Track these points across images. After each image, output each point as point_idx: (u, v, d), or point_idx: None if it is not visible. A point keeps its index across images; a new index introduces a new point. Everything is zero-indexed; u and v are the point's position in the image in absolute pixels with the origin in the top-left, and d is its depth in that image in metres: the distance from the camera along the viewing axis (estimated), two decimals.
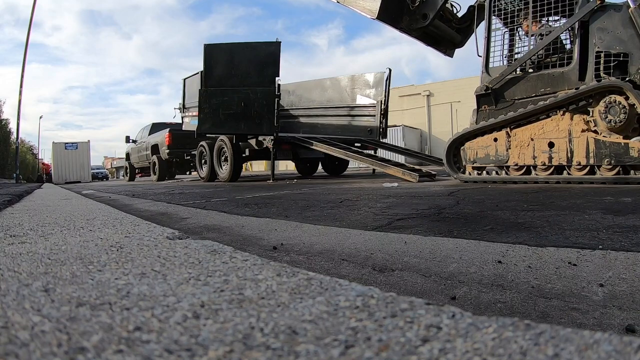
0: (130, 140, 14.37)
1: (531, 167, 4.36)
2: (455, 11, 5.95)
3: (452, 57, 6.52)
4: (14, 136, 20.33)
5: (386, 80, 6.98)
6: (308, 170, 10.54)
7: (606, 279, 1.07)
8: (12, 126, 21.87)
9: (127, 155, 15.01)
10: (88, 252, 1.14)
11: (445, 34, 5.97)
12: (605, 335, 0.48)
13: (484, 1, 4.94)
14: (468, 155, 4.75)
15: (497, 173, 4.62)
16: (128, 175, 15.06)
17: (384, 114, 7.04)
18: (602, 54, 4.06)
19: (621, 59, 4.02)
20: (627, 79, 3.91)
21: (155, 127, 13.07)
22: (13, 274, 0.90)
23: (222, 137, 8.07)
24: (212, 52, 7.66)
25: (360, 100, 7.37)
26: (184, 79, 9.74)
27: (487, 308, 0.95)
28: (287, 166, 19.79)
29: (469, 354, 0.47)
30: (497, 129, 4.56)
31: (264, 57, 7.71)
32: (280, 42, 7.85)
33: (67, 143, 20.56)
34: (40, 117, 38.96)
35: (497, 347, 0.48)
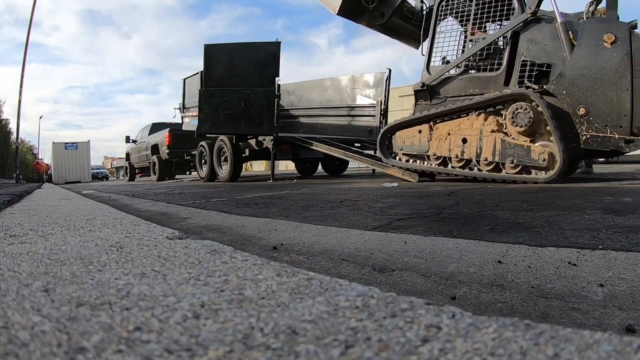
0: (130, 140, 14.37)
1: (447, 159, 4.91)
2: (424, 8, 6.20)
3: (417, 49, 6.83)
4: (14, 136, 20.35)
5: (386, 81, 6.97)
6: (308, 170, 10.53)
7: (606, 279, 1.07)
8: (12, 126, 21.89)
9: (127, 155, 15.00)
10: (88, 252, 1.14)
11: (406, 30, 6.39)
12: (605, 335, 0.48)
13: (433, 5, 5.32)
14: (397, 143, 5.37)
15: (427, 160, 5.16)
16: (128, 175, 15.05)
17: (384, 114, 7.04)
18: (528, 63, 4.44)
19: (544, 69, 4.38)
20: (543, 87, 4.28)
21: (155, 127, 13.06)
22: (13, 274, 0.90)
23: (222, 137, 8.06)
24: (212, 52, 7.64)
25: (360, 100, 7.37)
26: (184, 79, 9.72)
27: (487, 308, 0.95)
28: (287, 166, 19.76)
29: (469, 354, 0.47)
30: (422, 122, 5.11)
31: (264, 57, 7.70)
32: (280, 42, 7.83)
33: (67, 143, 20.55)
34: (40, 117, 38.99)
35: (497, 347, 0.48)
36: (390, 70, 7.03)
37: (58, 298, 0.72)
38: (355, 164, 8.99)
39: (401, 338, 0.52)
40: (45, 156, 35.70)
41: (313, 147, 7.11)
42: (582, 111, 4.08)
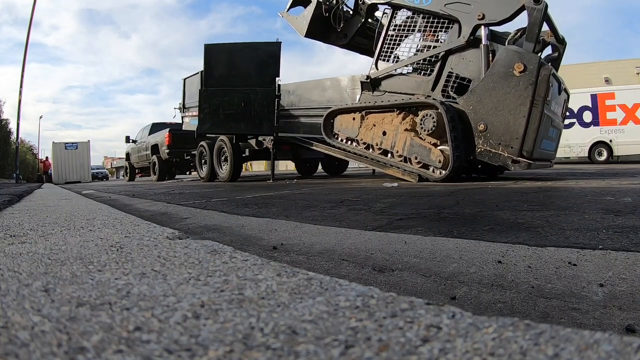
0: (130, 140, 14.37)
1: (370, 145, 5.63)
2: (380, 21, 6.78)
3: None
4: (14, 136, 20.35)
5: None
6: (308, 170, 10.53)
7: (606, 279, 1.07)
8: (12, 126, 21.90)
9: (127, 155, 15.01)
10: (88, 252, 1.14)
11: (368, 46, 6.81)
12: (605, 335, 0.48)
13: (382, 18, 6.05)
14: (337, 125, 6.20)
15: (357, 143, 5.88)
16: (128, 175, 15.06)
17: None
18: (453, 75, 5.02)
19: (465, 82, 4.92)
20: (455, 99, 4.84)
21: (155, 127, 13.07)
22: (13, 274, 0.90)
23: (222, 137, 8.06)
24: (212, 52, 7.64)
25: None
26: (184, 79, 9.72)
27: (487, 308, 0.95)
28: (287, 166, 19.77)
29: (469, 354, 0.47)
30: (357, 111, 5.84)
31: (265, 58, 7.69)
32: (280, 42, 7.83)
33: (67, 143, 20.56)
34: (40, 117, 38.92)
35: (497, 347, 0.48)
36: None
37: (58, 298, 0.72)
38: (355, 164, 9.00)
39: (401, 338, 0.52)
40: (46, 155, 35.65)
41: (313, 147, 7.11)
42: (481, 127, 4.61)
